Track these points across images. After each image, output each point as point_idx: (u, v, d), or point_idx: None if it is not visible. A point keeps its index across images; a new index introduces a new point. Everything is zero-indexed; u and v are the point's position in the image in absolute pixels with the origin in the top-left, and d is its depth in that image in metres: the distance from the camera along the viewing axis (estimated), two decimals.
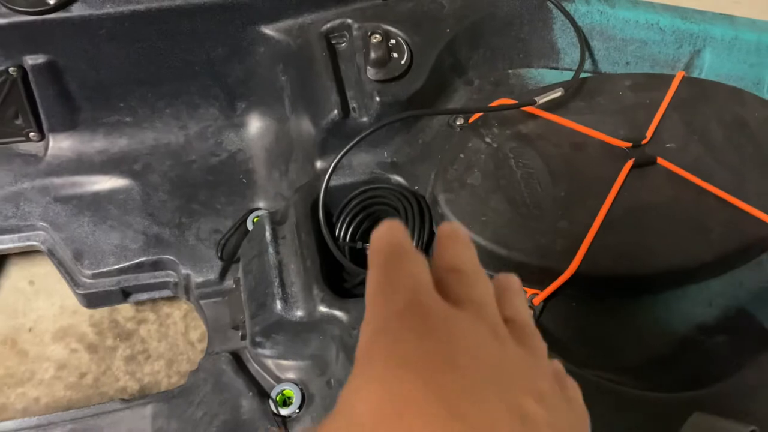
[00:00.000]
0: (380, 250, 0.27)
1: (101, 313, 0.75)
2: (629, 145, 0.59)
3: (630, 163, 0.58)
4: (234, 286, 0.66)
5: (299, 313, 0.56)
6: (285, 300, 0.57)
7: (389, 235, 0.28)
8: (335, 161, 0.56)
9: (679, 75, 0.65)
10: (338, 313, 0.55)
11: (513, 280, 0.32)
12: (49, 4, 0.62)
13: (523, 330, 0.29)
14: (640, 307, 0.56)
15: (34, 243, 0.69)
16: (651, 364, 0.53)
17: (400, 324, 0.24)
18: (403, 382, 0.22)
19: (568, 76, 0.67)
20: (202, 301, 0.67)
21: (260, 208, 0.71)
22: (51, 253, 0.69)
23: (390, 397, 0.22)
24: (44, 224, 0.69)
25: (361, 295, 0.58)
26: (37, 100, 0.69)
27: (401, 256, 0.27)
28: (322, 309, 0.56)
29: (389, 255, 0.27)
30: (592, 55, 0.69)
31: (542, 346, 0.29)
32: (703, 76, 0.70)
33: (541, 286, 0.55)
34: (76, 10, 0.63)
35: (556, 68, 0.70)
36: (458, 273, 0.28)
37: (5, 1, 0.62)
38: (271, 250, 0.59)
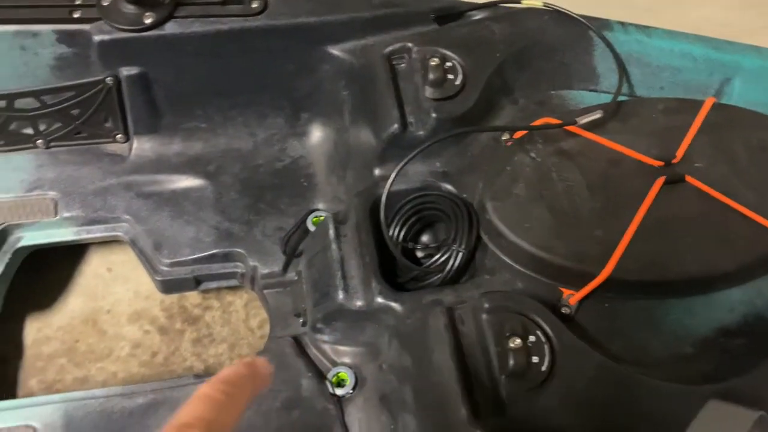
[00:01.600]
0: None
1: (171, 299, 0.83)
2: (661, 163, 0.65)
3: (661, 180, 0.64)
4: (296, 278, 0.73)
5: (359, 303, 0.63)
6: (346, 290, 0.64)
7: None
8: (397, 169, 0.62)
9: (709, 101, 0.71)
10: (394, 305, 0.62)
11: None
12: (145, 24, 0.71)
13: None
14: (666, 309, 0.62)
15: (119, 233, 0.77)
16: (675, 361, 0.59)
17: None
18: None
19: (605, 98, 0.74)
20: (265, 291, 0.74)
21: (319, 209, 0.78)
22: (133, 243, 0.77)
23: None
24: (128, 217, 0.77)
25: (413, 290, 0.65)
26: (127, 106, 0.77)
27: None
28: (380, 300, 0.63)
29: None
30: (628, 79, 0.75)
31: None
32: (732, 103, 0.75)
33: (577, 288, 0.60)
34: (169, 29, 0.71)
35: (595, 91, 0.76)
36: None
37: (109, 20, 0.70)
38: (334, 246, 0.66)
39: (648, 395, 0.53)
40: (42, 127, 0.77)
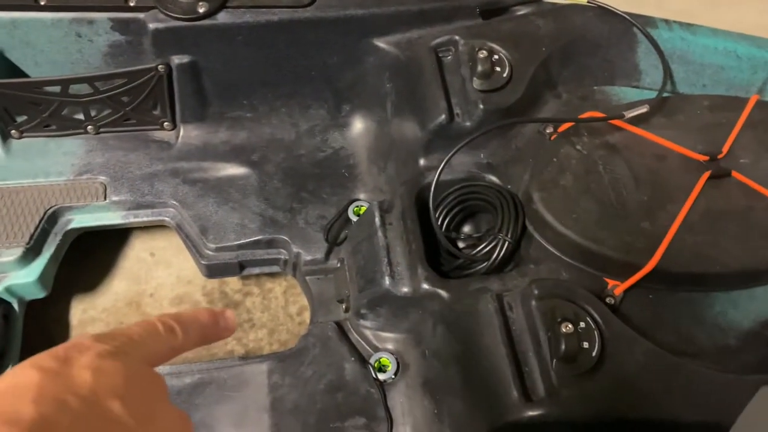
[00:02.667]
0: None
1: (212, 284, 0.85)
2: (706, 158, 0.66)
3: (707, 174, 0.65)
4: (339, 265, 0.74)
5: (405, 289, 0.64)
6: (392, 276, 0.65)
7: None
8: (448, 157, 0.64)
9: (754, 98, 0.71)
10: (440, 291, 0.63)
11: None
12: (198, 13, 0.72)
13: None
14: (711, 301, 0.63)
15: (166, 218, 0.79)
16: (718, 351, 0.60)
17: None
18: None
19: (648, 94, 0.75)
20: (308, 278, 0.76)
21: (360, 199, 0.80)
22: (179, 228, 0.78)
23: None
24: (174, 202, 0.79)
25: (457, 278, 0.66)
26: (176, 94, 0.78)
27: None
28: (426, 286, 0.64)
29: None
30: (671, 77, 0.76)
31: None
32: None
33: (622, 279, 0.61)
34: (221, 19, 0.73)
35: (638, 87, 0.76)
36: None
37: (164, 9, 0.72)
38: (380, 233, 0.67)
39: (696, 383, 0.54)
40: (93, 113, 0.79)
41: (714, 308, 0.63)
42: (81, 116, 0.79)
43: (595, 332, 0.54)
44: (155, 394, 0.31)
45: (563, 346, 0.52)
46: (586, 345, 0.53)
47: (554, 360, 0.52)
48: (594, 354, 0.53)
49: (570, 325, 0.53)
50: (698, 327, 0.62)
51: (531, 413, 0.51)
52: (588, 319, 0.55)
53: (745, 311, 0.63)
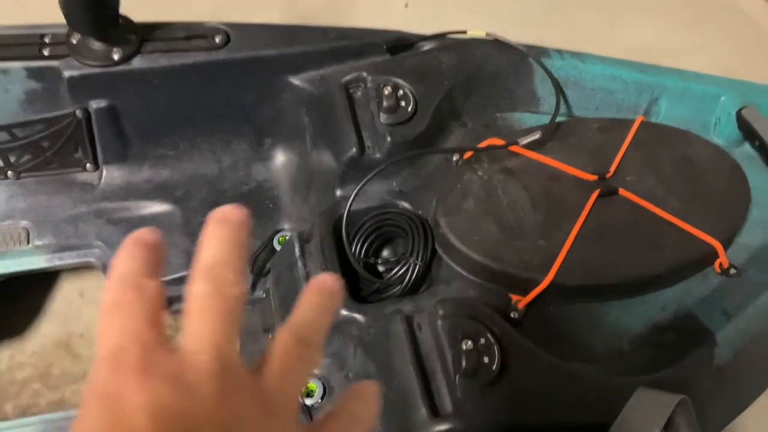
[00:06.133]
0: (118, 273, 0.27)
1: None
2: (596, 177, 0.72)
3: (596, 192, 0.70)
4: (264, 295, 0.77)
5: None
6: None
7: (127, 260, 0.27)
8: (356, 190, 0.67)
9: (639, 119, 0.78)
10: (357, 316, 0.66)
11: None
12: (113, 60, 0.74)
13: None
14: (605, 310, 0.68)
15: (91, 259, 0.80)
16: (613, 356, 0.65)
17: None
18: None
19: (546, 119, 0.80)
20: None
21: (284, 229, 0.83)
22: (105, 268, 0.80)
23: None
24: (99, 243, 0.80)
25: (375, 301, 0.70)
26: (96, 137, 0.80)
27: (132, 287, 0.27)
28: (344, 312, 0.67)
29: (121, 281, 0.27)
30: (566, 101, 0.82)
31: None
32: (660, 120, 0.82)
33: (525, 293, 0.66)
34: (136, 64, 0.75)
35: (537, 112, 0.82)
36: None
37: (79, 57, 0.74)
38: (300, 263, 0.70)
39: (588, 388, 0.59)
40: (13, 159, 0.80)
41: (609, 316, 0.68)
42: (0, 163, 0.79)
43: (495, 347, 0.58)
44: None
45: (464, 363, 0.56)
46: (486, 360, 0.57)
47: (457, 376, 0.56)
48: (494, 368, 0.57)
49: (470, 342, 0.57)
50: (595, 335, 0.67)
51: (438, 428, 0.55)
52: (488, 334, 0.59)
53: (637, 316, 0.68)
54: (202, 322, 0.27)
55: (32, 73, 0.75)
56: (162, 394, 0.23)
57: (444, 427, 0.55)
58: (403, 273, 0.70)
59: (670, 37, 1.37)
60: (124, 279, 0.27)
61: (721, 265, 0.70)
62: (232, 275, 0.28)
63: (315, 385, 0.71)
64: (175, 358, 0.25)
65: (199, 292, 0.28)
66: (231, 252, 0.29)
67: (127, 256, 0.28)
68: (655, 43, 1.34)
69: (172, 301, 0.79)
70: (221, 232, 0.30)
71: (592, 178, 0.72)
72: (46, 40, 0.75)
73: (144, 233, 0.30)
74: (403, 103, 0.74)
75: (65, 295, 0.87)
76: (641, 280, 0.69)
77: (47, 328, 0.84)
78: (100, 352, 0.25)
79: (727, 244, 0.71)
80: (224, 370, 0.25)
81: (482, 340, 0.58)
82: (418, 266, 0.69)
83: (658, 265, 0.69)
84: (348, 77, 0.77)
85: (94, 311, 0.86)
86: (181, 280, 0.78)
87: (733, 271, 0.70)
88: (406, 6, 1.30)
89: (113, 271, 0.27)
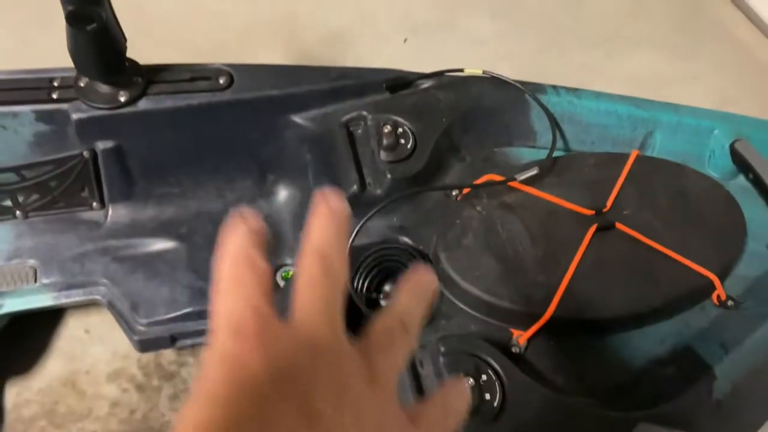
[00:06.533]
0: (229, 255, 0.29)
1: (148, 357, 0.87)
2: (593, 212, 0.73)
3: (594, 227, 0.71)
4: None
5: None
6: None
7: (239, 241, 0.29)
8: (357, 227, 0.69)
9: (634, 154, 0.79)
10: None
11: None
12: (120, 102, 0.76)
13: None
14: (605, 343, 0.69)
15: (97, 296, 0.81)
16: (613, 390, 0.66)
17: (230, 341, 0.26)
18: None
19: (544, 153, 0.82)
20: None
21: (288, 264, 0.84)
22: (110, 305, 0.81)
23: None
24: (105, 280, 0.81)
25: None
26: (103, 176, 0.82)
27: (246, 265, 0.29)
28: None
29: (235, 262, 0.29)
30: (563, 136, 0.84)
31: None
32: (655, 154, 0.84)
33: (526, 328, 0.67)
34: (142, 105, 0.77)
35: (534, 147, 0.84)
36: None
37: (86, 99, 0.76)
38: None
39: (590, 423, 0.59)
40: (21, 199, 0.81)
41: (608, 350, 0.69)
42: (8, 203, 0.81)
43: (497, 384, 0.59)
44: None
45: None
46: (488, 396, 0.58)
47: None
48: (495, 404, 0.58)
49: (471, 380, 0.58)
50: (595, 368, 0.67)
51: None
52: (490, 371, 0.60)
53: (636, 350, 0.69)
54: (313, 298, 0.30)
55: (41, 115, 0.77)
56: (280, 357, 0.26)
57: None
58: None
59: (666, 68, 1.39)
60: (238, 256, 0.29)
61: (718, 297, 0.71)
62: (339, 261, 0.31)
63: None
64: (290, 328, 0.28)
65: (311, 271, 0.30)
66: (338, 240, 0.32)
67: (238, 235, 0.30)
68: (651, 74, 1.36)
69: (175, 339, 0.81)
70: (330, 219, 0.32)
71: (590, 212, 0.73)
72: (55, 84, 0.77)
73: (249, 216, 0.32)
74: (402, 141, 0.76)
75: (71, 332, 0.88)
76: (639, 314, 0.70)
77: (53, 366, 0.85)
78: (219, 320, 0.27)
79: (723, 277, 0.72)
80: (334, 341, 0.28)
81: (484, 377, 0.59)
82: None
83: (656, 299, 0.70)
84: (349, 116, 0.79)
85: (99, 348, 0.87)
86: (188, 317, 0.80)
87: (730, 303, 0.71)
88: (405, 41, 1.33)
89: (226, 246, 0.30)
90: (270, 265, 0.30)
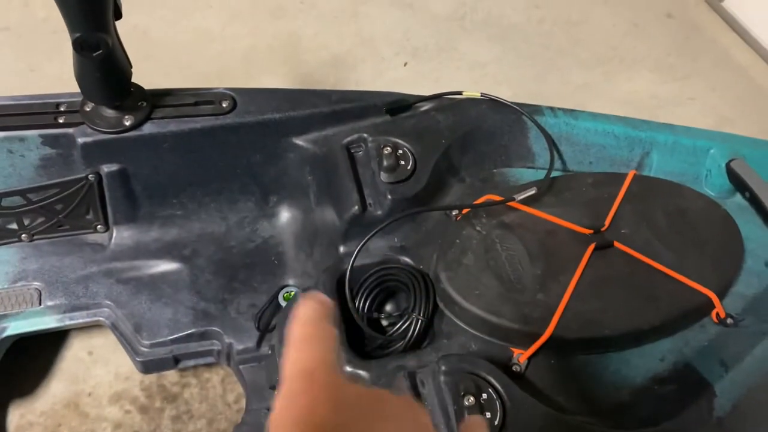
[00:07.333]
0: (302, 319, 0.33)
1: (150, 378, 0.87)
2: (591, 231, 0.74)
3: (592, 246, 0.72)
4: (270, 352, 0.78)
5: None
6: None
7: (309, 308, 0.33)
8: (359, 248, 0.70)
9: (631, 174, 0.80)
10: (361, 372, 0.68)
11: None
12: (125, 126, 0.78)
13: None
14: (605, 362, 0.69)
15: (101, 318, 0.82)
16: (614, 408, 0.66)
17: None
18: None
19: (542, 173, 0.83)
20: (241, 366, 0.79)
21: (290, 285, 0.84)
22: (114, 327, 0.81)
23: None
24: (109, 302, 0.82)
25: (379, 357, 0.71)
26: (107, 199, 0.83)
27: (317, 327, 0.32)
28: (348, 369, 0.68)
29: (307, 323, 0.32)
30: (561, 156, 0.85)
31: None
32: (652, 174, 0.85)
33: (526, 347, 0.67)
34: (147, 129, 0.78)
35: (532, 167, 0.85)
36: None
37: (92, 124, 0.77)
38: None
39: None
40: (26, 222, 0.82)
41: (609, 368, 0.69)
42: (14, 226, 0.82)
43: (497, 402, 0.59)
44: None
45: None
46: (488, 415, 0.58)
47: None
48: (496, 423, 0.58)
49: (472, 398, 0.58)
50: (595, 386, 0.68)
51: None
52: (490, 390, 0.60)
53: (636, 368, 0.69)
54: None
55: (47, 140, 0.78)
56: (343, 403, 0.30)
57: None
58: (405, 328, 0.71)
59: (663, 89, 1.41)
60: (310, 320, 0.33)
61: (717, 314, 0.71)
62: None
63: None
64: (348, 381, 0.31)
65: None
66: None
67: (310, 306, 0.34)
68: (648, 95, 1.38)
69: (178, 360, 0.81)
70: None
71: (588, 231, 0.74)
72: (62, 108, 0.79)
73: (320, 296, 0.36)
74: (402, 162, 0.77)
75: (74, 354, 0.89)
76: (639, 332, 0.70)
77: (57, 387, 0.85)
78: (294, 368, 0.31)
79: (722, 295, 0.72)
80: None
81: (484, 395, 0.59)
82: (420, 321, 0.70)
83: (655, 317, 0.70)
84: (350, 138, 0.80)
85: (102, 369, 0.87)
86: (190, 337, 0.80)
87: (729, 320, 0.71)
88: (405, 65, 1.35)
89: (299, 313, 0.33)
90: (334, 330, 0.33)
